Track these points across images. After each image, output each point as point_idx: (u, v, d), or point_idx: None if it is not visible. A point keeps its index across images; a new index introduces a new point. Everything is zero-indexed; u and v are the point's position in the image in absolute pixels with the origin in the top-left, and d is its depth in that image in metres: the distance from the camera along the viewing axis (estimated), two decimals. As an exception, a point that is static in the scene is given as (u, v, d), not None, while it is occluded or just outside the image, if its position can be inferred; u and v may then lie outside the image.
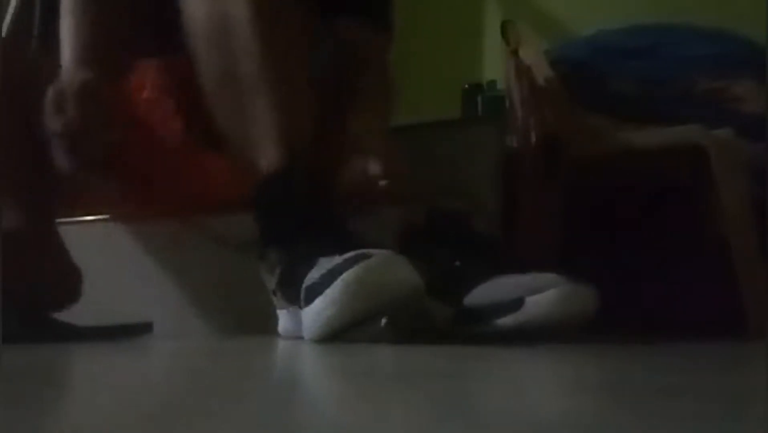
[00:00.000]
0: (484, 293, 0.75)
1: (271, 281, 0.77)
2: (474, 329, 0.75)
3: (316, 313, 0.66)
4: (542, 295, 0.71)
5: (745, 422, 0.27)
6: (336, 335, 0.66)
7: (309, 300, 0.67)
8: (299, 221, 0.73)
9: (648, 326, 1.04)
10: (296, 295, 0.70)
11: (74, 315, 0.99)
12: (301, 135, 0.79)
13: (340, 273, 0.64)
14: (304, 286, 0.68)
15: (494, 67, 1.47)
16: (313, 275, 0.68)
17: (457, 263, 0.81)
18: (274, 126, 0.77)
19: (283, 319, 0.79)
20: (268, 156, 0.76)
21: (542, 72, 1.18)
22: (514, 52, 1.25)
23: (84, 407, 0.32)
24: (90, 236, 1.24)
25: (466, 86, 1.45)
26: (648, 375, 0.44)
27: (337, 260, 0.65)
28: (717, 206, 1.01)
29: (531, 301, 0.71)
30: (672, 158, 1.08)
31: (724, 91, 1.15)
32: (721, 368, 0.50)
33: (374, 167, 0.86)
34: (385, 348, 0.63)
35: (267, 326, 0.91)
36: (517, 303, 0.71)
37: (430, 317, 0.74)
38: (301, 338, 0.73)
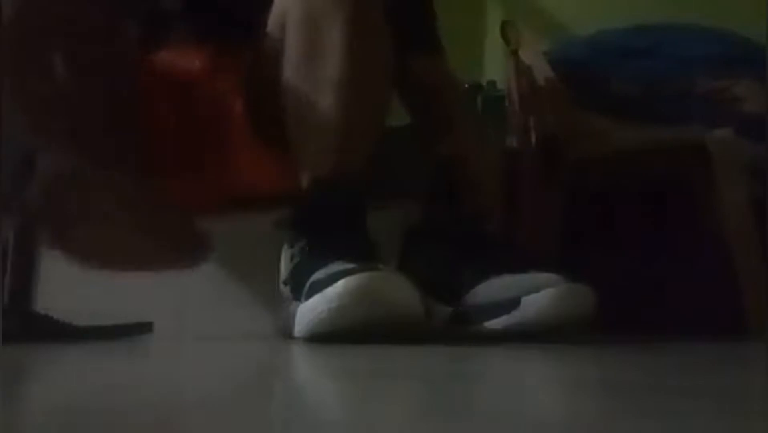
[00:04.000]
0: (481, 292, 0.75)
1: (286, 271, 0.77)
2: (471, 328, 0.75)
3: (310, 310, 0.66)
4: (539, 294, 0.70)
5: (745, 422, 0.27)
6: (323, 339, 0.66)
7: (309, 296, 0.67)
8: (332, 222, 0.74)
9: (648, 326, 1.04)
10: (300, 290, 0.70)
11: (74, 315, 0.99)
12: (366, 147, 0.79)
13: (345, 276, 0.64)
14: (309, 281, 0.69)
15: (494, 67, 1.47)
16: (322, 273, 0.68)
17: (456, 263, 0.81)
18: (341, 132, 0.77)
19: (284, 314, 0.79)
20: (329, 159, 0.77)
21: (542, 72, 1.18)
22: (514, 52, 1.25)
23: (85, 407, 0.32)
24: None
25: (466, 86, 1.45)
26: (647, 375, 0.44)
27: (349, 265, 0.66)
28: (717, 206, 1.01)
29: (527, 300, 0.71)
30: (672, 158, 1.08)
31: (724, 91, 1.15)
32: (721, 368, 0.50)
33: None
34: (379, 348, 0.63)
35: (264, 328, 0.91)
36: (513, 303, 0.71)
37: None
38: (292, 337, 0.73)
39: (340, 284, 0.63)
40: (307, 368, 0.54)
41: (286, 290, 0.77)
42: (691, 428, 0.24)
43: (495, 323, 0.72)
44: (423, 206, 0.89)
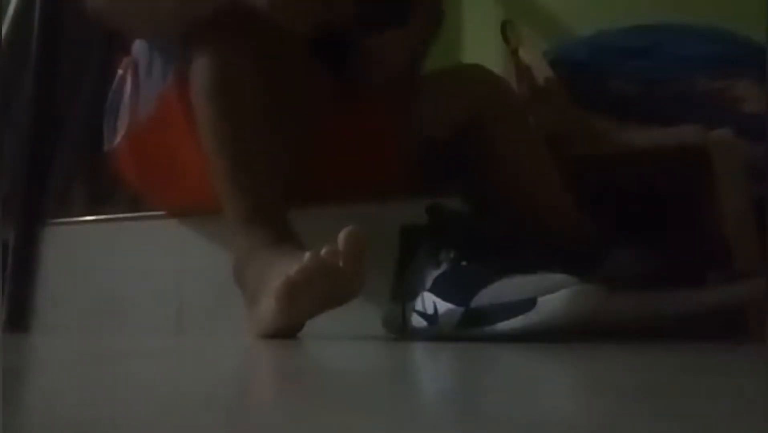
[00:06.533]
0: (493, 293, 0.74)
1: (429, 276, 0.82)
2: (484, 329, 0.74)
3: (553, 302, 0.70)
4: (555, 295, 0.70)
5: (745, 422, 0.27)
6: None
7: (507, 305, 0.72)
8: (475, 237, 0.85)
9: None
10: (459, 294, 0.76)
11: (74, 314, 0.98)
12: None
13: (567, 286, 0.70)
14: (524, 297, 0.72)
15: (494, 67, 1.48)
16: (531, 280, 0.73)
17: (464, 263, 0.81)
18: None
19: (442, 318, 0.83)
20: None
21: (542, 72, 1.18)
22: (514, 52, 1.25)
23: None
24: (101, 236, 1.24)
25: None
26: (648, 375, 0.44)
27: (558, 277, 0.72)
28: (717, 207, 1.01)
29: (543, 301, 0.70)
30: (672, 158, 1.08)
31: (724, 91, 1.15)
32: (721, 369, 0.50)
33: None
34: (389, 347, 0.63)
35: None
36: (529, 303, 0.71)
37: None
38: (434, 338, 0.77)
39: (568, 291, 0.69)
40: (306, 366, 0.54)
41: (428, 297, 0.81)
42: (691, 429, 0.24)
43: (509, 324, 0.72)
44: (427, 205, 0.89)
